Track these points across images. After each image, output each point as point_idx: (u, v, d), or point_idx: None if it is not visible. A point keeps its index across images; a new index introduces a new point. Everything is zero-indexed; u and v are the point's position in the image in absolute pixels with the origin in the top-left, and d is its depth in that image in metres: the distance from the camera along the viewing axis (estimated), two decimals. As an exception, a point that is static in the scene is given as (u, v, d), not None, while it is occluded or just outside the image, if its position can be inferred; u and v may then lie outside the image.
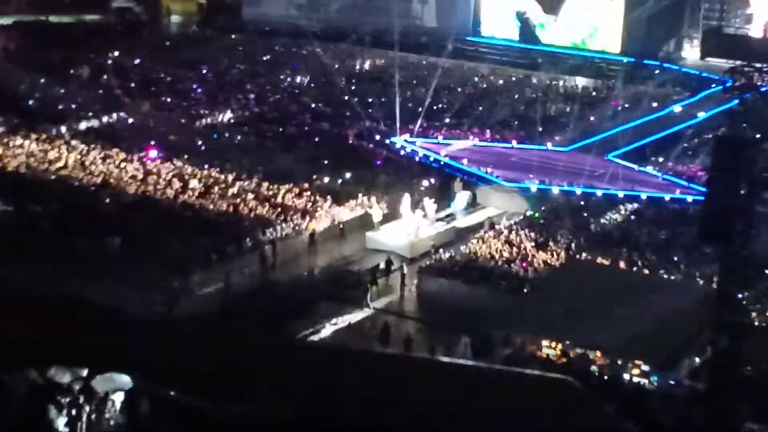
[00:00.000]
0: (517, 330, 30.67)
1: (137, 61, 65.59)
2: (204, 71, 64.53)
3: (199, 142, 50.78)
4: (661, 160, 49.07)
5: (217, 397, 14.30)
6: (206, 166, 46.21)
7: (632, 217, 42.17)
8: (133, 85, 60.46)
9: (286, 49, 69.63)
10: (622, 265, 36.83)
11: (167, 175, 45.04)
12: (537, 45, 67.40)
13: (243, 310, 33.02)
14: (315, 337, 32.32)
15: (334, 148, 50.59)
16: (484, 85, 62.37)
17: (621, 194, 44.06)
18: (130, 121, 54.07)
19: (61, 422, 14.46)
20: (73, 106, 55.23)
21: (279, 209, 41.55)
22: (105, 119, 54.11)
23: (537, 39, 67.73)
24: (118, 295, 31.45)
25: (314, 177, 45.32)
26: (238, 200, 42.54)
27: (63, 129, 51.60)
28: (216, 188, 43.76)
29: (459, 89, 60.35)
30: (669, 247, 38.57)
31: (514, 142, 52.08)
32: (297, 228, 40.27)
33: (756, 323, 30.33)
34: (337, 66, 64.35)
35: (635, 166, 48.31)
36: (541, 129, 52.94)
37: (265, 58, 68.00)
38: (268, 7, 75.88)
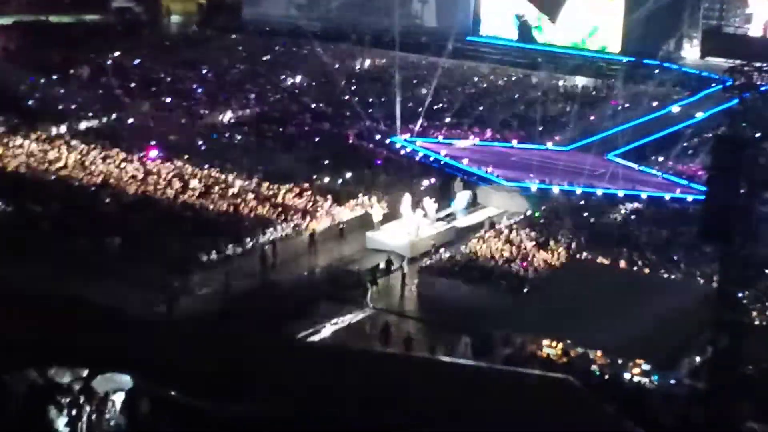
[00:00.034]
0: (518, 330, 30.67)
1: (137, 61, 65.57)
2: (204, 71, 64.52)
3: (200, 142, 50.78)
4: (661, 159, 49.09)
5: (217, 397, 14.29)
6: (206, 166, 46.21)
7: (632, 216, 42.17)
8: (133, 85, 60.44)
9: (287, 49, 69.63)
10: (622, 264, 36.83)
11: (167, 175, 45.03)
12: (535, 45, 67.48)
13: (243, 310, 33.02)
14: (315, 337, 32.31)
15: (335, 147, 50.57)
16: (485, 85, 62.37)
17: (621, 194, 44.07)
18: (130, 120, 54.06)
19: (61, 422, 14.45)
20: (73, 106, 55.23)
21: (279, 209, 41.57)
22: (105, 119, 54.12)
23: (534, 39, 67.84)
24: (118, 295, 31.47)
25: (314, 177, 45.32)
26: (239, 200, 42.54)
27: (63, 129, 51.62)
28: (216, 188, 43.77)
29: (459, 89, 60.34)
30: (669, 246, 38.55)
31: (515, 142, 52.10)
32: (297, 228, 40.29)
33: (756, 323, 30.32)
34: (337, 66, 64.36)
35: (635, 166, 48.32)
36: (541, 128, 52.97)
37: (265, 58, 68.00)
38: (268, 6, 75.89)
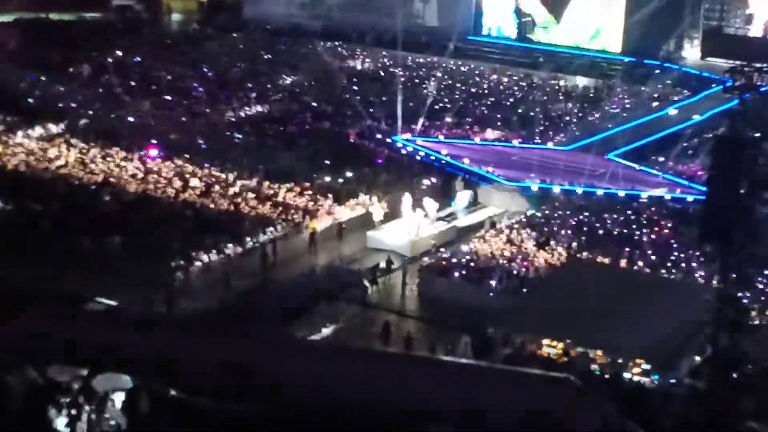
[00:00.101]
0: (518, 329, 30.67)
1: (138, 59, 65.60)
2: (205, 70, 64.54)
3: (200, 141, 50.79)
4: (661, 159, 49.09)
5: (217, 397, 14.27)
6: (207, 165, 46.22)
7: (633, 216, 42.17)
8: (133, 83, 60.46)
9: (287, 47, 69.66)
10: (622, 264, 36.83)
11: (168, 174, 45.04)
12: (536, 44, 67.54)
13: (243, 310, 33.02)
14: (315, 337, 32.28)
15: (335, 146, 50.59)
16: (486, 85, 62.39)
17: (622, 193, 44.08)
18: (131, 119, 54.08)
19: (61, 422, 14.42)
20: (74, 104, 55.24)
21: (280, 208, 41.56)
22: (105, 117, 54.11)
23: (531, 39, 67.97)
24: (119, 294, 31.47)
25: (315, 176, 45.32)
26: (239, 199, 42.54)
27: (63, 127, 51.63)
28: (217, 187, 43.77)
29: (460, 88, 60.34)
30: (669, 246, 38.54)
31: (515, 141, 52.10)
32: (297, 227, 40.30)
33: (756, 323, 30.31)
34: (338, 65, 64.37)
35: (636, 166, 48.33)
36: (542, 128, 52.98)
37: (266, 57, 68.01)
38: (269, 5, 76.01)
